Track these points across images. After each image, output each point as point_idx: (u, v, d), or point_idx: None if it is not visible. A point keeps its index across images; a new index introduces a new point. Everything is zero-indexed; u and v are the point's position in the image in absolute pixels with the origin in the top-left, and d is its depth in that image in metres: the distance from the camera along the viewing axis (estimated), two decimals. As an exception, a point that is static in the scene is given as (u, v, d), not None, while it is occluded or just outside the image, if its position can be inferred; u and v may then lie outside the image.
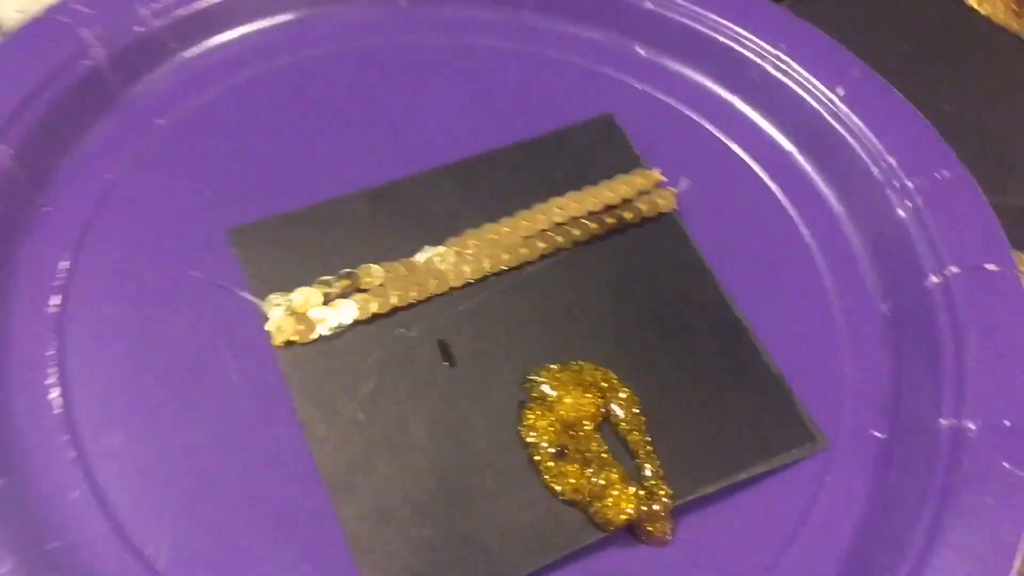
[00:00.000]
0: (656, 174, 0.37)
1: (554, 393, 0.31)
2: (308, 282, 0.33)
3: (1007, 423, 0.30)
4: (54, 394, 0.30)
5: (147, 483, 0.30)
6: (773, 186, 0.38)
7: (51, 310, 0.32)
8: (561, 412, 0.31)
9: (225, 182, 0.36)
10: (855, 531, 0.30)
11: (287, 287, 0.33)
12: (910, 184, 0.36)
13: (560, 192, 0.37)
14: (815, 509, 0.31)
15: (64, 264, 0.33)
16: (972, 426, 0.30)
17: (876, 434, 0.32)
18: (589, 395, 0.32)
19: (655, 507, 0.30)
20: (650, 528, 0.30)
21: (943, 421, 0.31)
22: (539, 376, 0.32)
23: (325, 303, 0.33)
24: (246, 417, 0.31)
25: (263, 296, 0.33)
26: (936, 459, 0.30)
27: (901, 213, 0.35)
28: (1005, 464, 0.29)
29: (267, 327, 0.32)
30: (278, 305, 0.33)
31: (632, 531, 0.30)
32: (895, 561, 0.29)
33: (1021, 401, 0.31)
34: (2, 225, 0.33)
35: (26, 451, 0.29)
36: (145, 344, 0.32)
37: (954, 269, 0.34)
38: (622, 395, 0.32)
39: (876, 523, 0.30)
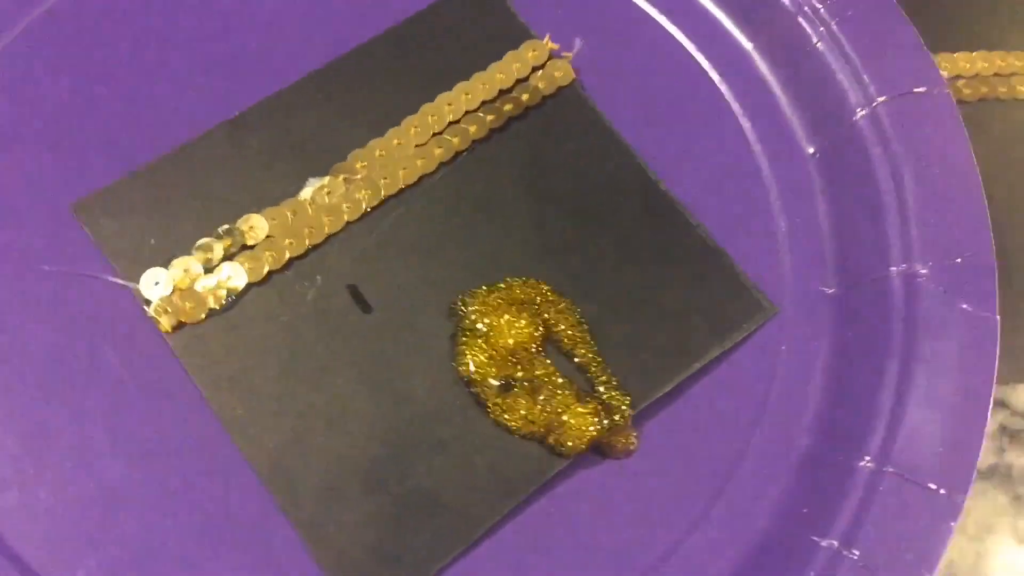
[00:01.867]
0: (547, 43, 0.33)
1: (487, 320, 0.29)
2: (184, 250, 0.29)
3: (958, 260, 0.29)
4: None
5: (58, 527, 0.26)
6: (673, 30, 0.34)
7: None
8: (498, 340, 0.28)
9: (51, 148, 0.30)
10: (823, 396, 0.29)
11: (160, 260, 0.29)
12: (820, 7, 0.32)
13: (445, 84, 0.32)
14: (777, 380, 0.30)
15: None
16: (923, 270, 0.29)
17: (825, 290, 0.31)
18: (525, 315, 0.29)
19: (616, 419, 0.28)
20: (614, 442, 0.28)
21: (893, 269, 0.29)
22: (466, 303, 0.29)
23: (209, 271, 0.29)
24: (152, 420, 0.28)
25: (135, 276, 0.29)
26: (892, 309, 0.29)
27: (816, 42, 0.32)
28: (964, 306, 0.28)
29: (150, 312, 0.28)
30: (156, 284, 0.28)
31: (596, 448, 0.28)
32: (868, 423, 0.28)
33: (970, 235, 0.29)
34: None
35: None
36: (9, 366, 0.28)
37: (880, 98, 0.31)
38: (560, 308, 0.29)
39: (843, 385, 0.29)
